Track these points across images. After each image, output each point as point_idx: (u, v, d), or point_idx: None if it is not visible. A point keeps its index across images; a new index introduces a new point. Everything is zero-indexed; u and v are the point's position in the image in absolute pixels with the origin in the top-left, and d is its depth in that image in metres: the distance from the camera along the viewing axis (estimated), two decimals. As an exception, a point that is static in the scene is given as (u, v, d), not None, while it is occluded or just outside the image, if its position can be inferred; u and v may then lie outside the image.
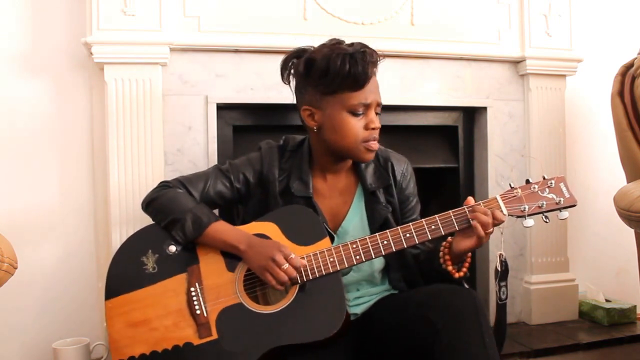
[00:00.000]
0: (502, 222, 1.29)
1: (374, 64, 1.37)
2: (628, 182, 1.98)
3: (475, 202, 1.31)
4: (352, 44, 1.38)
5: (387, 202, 1.48)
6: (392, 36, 2.08)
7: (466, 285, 1.38)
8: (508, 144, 2.26)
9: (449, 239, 1.36)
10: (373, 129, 1.37)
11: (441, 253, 1.36)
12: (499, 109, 2.25)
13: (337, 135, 1.38)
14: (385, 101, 2.06)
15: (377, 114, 1.40)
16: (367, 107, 1.37)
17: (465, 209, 1.30)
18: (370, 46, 1.39)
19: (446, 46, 2.15)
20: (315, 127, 1.41)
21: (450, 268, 1.35)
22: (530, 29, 2.22)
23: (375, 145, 1.39)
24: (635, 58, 2.00)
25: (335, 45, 1.38)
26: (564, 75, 2.29)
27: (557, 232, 2.29)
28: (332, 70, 1.33)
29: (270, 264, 1.27)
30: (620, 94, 2.01)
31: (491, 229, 1.28)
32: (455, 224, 1.30)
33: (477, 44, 2.19)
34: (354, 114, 1.36)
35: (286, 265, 1.27)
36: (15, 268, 1.35)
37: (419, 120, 2.24)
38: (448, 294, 1.27)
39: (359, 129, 1.37)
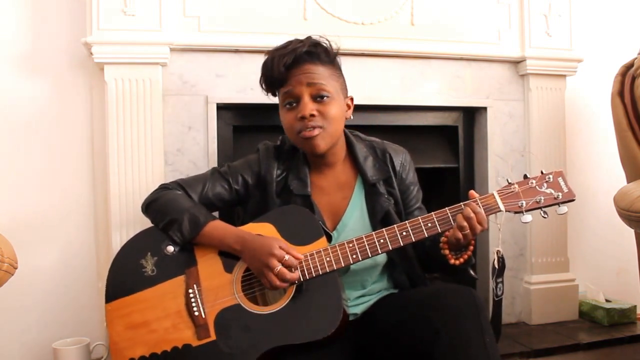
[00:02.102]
0: (484, 220, 1.28)
1: (285, 55, 1.37)
2: (628, 182, 1.98)
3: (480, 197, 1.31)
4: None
5: (388, 194, 1.48)
6: (392, 36, 2.08)
7: (472, 272, 1.38)
8: (508, 144, 2.26)
9: None
10: (301, 117, 1.37)
11: (442, 237, 1.36)
12: (499, 109, 2.25)
13: (285, 131, 1.44)
14: (386, 101, 2.10)
15: (319, 98, 1.38)
16: (296, 97, 1.38)
17: (462, 206, 1.30)
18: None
19: (446, 46, 2.14)
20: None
21: (447, 252, 1.34)
22: (530, 29, 2.22)
23: (307, 132, 1.37)
24: (635, 58, 2.00)
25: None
26: (564, 75, 2.29)
27: (557, 232, 2.29)
28: (261, 76, 1.42)
29: (264, 269, 1.27)
30: (620, 94, 2.01)
31: (467, 231, 1.27)
32: (452, 221, 1.29)
33: (477, 44, 2.19)
34: (287, 107, 1.40)
35: (278, 269, 1.26)
36: (16, 268, 1.36)
37: (419, 120, 2.23)
38: (448, 294, 1.27)
39: (293, 121, 1.39)
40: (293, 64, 1.37)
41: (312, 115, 1.36)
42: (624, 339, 2.10)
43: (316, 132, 1.37)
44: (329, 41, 1.43)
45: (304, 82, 1.38)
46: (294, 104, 1.39)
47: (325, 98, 1.38)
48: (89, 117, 1.96)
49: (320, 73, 1.39)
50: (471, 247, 1.34)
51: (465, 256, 1.34)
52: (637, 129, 1.94)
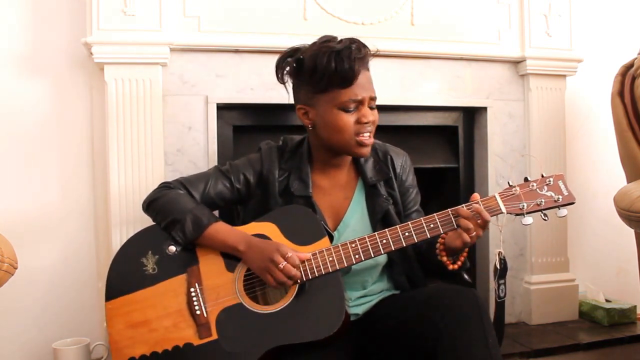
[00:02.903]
0: (488, 222, 1.28)
1: (362, 59, 1.36)
2: (628, 182, 1.98)
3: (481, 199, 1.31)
4: (340, 40, 1.38)
5: (388, 194, 1.49)
6: (392, 36, 2.08)
7: (465, 276, 1.38)
8: (508, 144, 2.26)
9: None
10: (365, 123, 1.37)
11: (438, 244, 1.37)
12: (499, 109, 2.25)
13: (330, 131, 1.39)
14: (385, 101, 2.08)
15: (371, 107, 1.40)
16: (358, 102, 1.37)
17: (464, 208, 1.30)
18: (369, 45, 1.39)
19: (446, 46, 2.15)
20: (310, 125, 1.43)
21: (445, 259, 1.35)
22: (530, 29, 2.22)
23: (368, 139, 1.39)
24: (635, 58, 2.00)
25: (324, 43, 1.38)
26: (564, 76, 2.29)
27: (557, 232, 2.29)
28: (319, 69, 1.35)
29: (269, 265, 1.28)
30: (620, 94, 2.01)
31: (474, 233, 1.27)
32: (454, 222, 1.30)
33: (477, 44, 2.19)
34: (345, 110, 1.37)
35: (283, 264, 1.27)
36: (16, 268, 1.35)
37: (419, 120, 2.23)
38: (451, 294, 1.26)
39: (351, 124, 1.37)
40: (361, 69, 1.37)
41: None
42: (624, 339, 2.10)
43: (372, 138, 1.40)
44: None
45: (369, 88, 1.39)
46: (352, 109, 1.37)
47: (375, 107, 1.41)
48: (89, 117, 1.96)
49: (372, 81, 1.42)
50: (466, 249, 1.34)
51: (462, 258, 1.35)
52: (637, 129, 1.95)
